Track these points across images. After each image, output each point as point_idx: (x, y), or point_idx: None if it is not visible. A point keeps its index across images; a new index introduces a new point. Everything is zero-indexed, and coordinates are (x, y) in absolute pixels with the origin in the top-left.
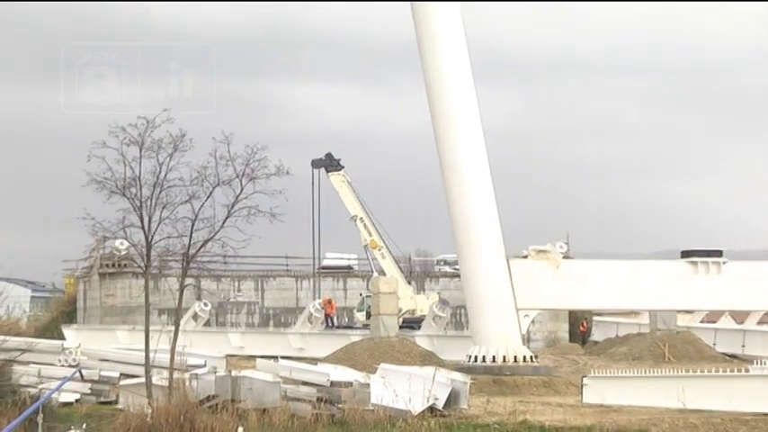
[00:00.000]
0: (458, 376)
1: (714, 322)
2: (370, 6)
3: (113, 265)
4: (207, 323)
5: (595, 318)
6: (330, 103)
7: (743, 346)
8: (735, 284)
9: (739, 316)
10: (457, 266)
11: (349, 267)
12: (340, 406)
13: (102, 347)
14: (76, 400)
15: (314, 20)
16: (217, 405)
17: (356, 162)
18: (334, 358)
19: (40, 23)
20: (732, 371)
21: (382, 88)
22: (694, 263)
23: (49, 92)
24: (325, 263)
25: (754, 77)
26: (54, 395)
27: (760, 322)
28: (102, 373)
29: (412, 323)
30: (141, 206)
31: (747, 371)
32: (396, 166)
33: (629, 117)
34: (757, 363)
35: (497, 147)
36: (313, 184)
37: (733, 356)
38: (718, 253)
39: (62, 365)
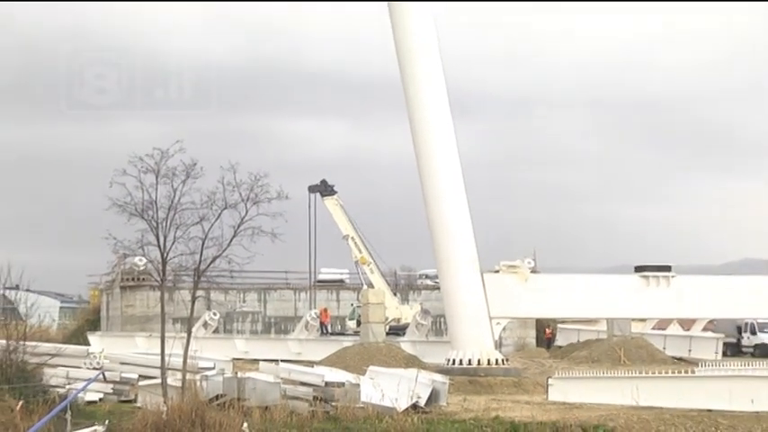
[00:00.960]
0: (438, 377)
1: (664, 329)
2: (357, 47)
3: (133, 279)
4: (216, 330)
5: (559, 325)
6: (322, 135)
7: (689, 350)
8: (682, 296)
9: (686, 323)
10: (437, 280)
11: (341, 281)
12: (333, 404)
13: (122, 352)
14: (100, 399)
15: (305, 60)
16: (224, 403)
17: (347, 187)
18: (329, 361)
19: (65, 65)
20: (680, 372)
21: (369, 122)
22: (646, 277)
23: (74, 127)
24: (321, 277)
25: (699, 113)
26: (80, 395)
27: (704, 329)
28: (123, 375)
29: (397, 330)
30: (157, 227)
31: (693, 372)
32: (382, 191)
33: (589, 147)
34: (702, 365)
35: (473, 173)
36: (309, 207)
37: (680, 359)
38: (668, 268)
39: (87, 368)
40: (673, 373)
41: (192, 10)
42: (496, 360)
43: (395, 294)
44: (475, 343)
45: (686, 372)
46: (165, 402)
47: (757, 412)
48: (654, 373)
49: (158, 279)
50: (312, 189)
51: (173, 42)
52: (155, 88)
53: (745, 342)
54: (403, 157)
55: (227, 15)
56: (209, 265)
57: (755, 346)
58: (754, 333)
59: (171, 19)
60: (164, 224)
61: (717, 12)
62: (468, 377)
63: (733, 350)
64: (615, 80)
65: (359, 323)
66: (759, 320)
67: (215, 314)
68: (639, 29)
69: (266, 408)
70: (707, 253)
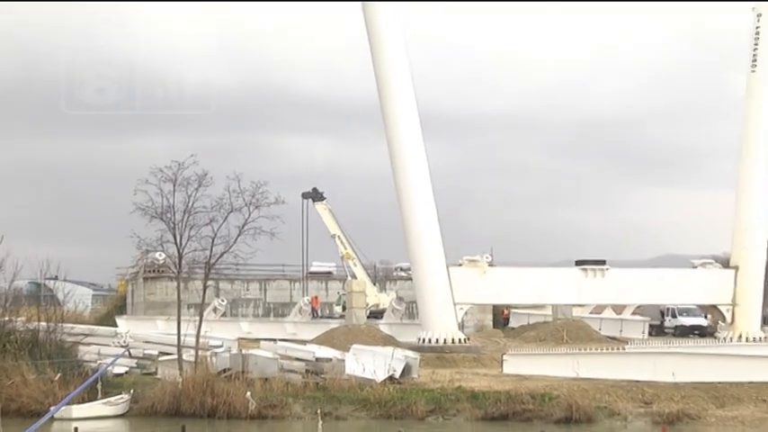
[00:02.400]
0: (410, 354)
1: (599, 313)
2: (340, 77)
3: (154, 271)
4: (223, 314)
5: (512, 310)
6: (311, 150)
7: (621, 330)
8: (614, 285)
9: (617, 308)
10: (410, 272)
11: (330, 273)
12: (323, 376)
13: (145, 332)
14: (126, 372)
15: (295, 88)
16: (231, 375)
17: (334, 193)
18: (318, 340)
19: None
20: (613, 349)
21: (350, 139)
22: (585, 269)
23: (104, 143)
24: (312, 269)
25: (630, 131)
26: (109, 368)
27: (633, 313)
28: (146, 352)
29: (376, 314)
30: (174, 227)
31: (624, 349)
32: (363, 196)
33: (535, 161)
34: (631, 343)
35: (440, 181)
36: (303, 210)
37: (613, 338)
38: (603, 262)
39: (115, 346)
40: (607, 350)
41: (199, 44)
42: (459, 339)
43: (374, 284)
44: (441, 325)
45: (618, 349)
46: (180, 375)
47: (677, 383)
48: (591, 350)
49: (175, 271)
50: (305, 195)
51: (185, 72)
52: (172, 110)
53: (667, 324)
54: (380, 168)
55: (229, 49)
56: (217, 260)
57: (675, 327)
58: (674, 317)
59: (183, 51)
60: (180, 225)
61: (636, 42)
62: (435, 354)
63: (657, 331)
64: (554, 101)
65: (344, 308)
66: (679, 306)
67: (223, 301)
68: (574, 57)
69: (266, 379)
70: (636, 249)
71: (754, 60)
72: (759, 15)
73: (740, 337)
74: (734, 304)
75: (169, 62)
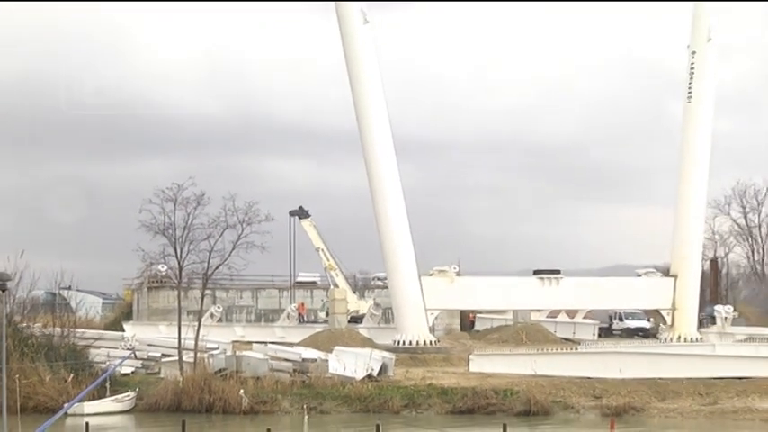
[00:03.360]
0: (387, 354)
1: (555, 317)
2: (320, 104)
3: (157, 282)
4: (219, 320)
5: (477, 315)
6: (296, 172)
7: (573, 332)
8: (568, 292)
9: (571, 313)
10: (386, 281)
11: (314, 282)
12: (308, 374)
13: (149, 336)
14: (132, 372)
15: (278, 116)
16: (226, 374)
17: (318, 210)
18: (305, 343)
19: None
20: (567, 349)
21: (330, 161)
22: (542, 278)
23: (110, 166)
24: (299, 279)
25: (586, 154)
26: (117, 369)
27: (585, 317)
28: (150, 354)
29: (356, 319)
30: (175, 242)
31: (577, 349)
32: (344, 213)
33: (495, 181)
34: (583, 344)
35: (412, 199)
36: (290, 226)
37: (567, 339)
38: (557, 272)
39: (122, 349)
40: (561, 350)
41: (192, 76)
42: (430, 341)
43: (354, 292)
44: (414, 328)
45: (571, 349)
46: (181, 374)
47: (623, 379)
48: (548, 350)
49: (176, 281)
50: (292, 213)
51: (180, 101)
52: (173, 137)
53: (614, 327)
54: (358, 187)
55: (219, 81)
56: (214, 271)
57: (622, 329)
58: (621, 320)
59: (177, 82)
60: (180, 240)
61: (587, 73)
62: (409, 354)
63: (606, 333)
64: (513, 127)
65: (327, 314)
66: (625, 310)
67: (219, 307)
68: (529, 86)
69: (258, 378)
70: (587, 260)
71: (690, 93)
72: (693, 53)
73: (679, 337)
74: (673, 309)
75: (165, 92)
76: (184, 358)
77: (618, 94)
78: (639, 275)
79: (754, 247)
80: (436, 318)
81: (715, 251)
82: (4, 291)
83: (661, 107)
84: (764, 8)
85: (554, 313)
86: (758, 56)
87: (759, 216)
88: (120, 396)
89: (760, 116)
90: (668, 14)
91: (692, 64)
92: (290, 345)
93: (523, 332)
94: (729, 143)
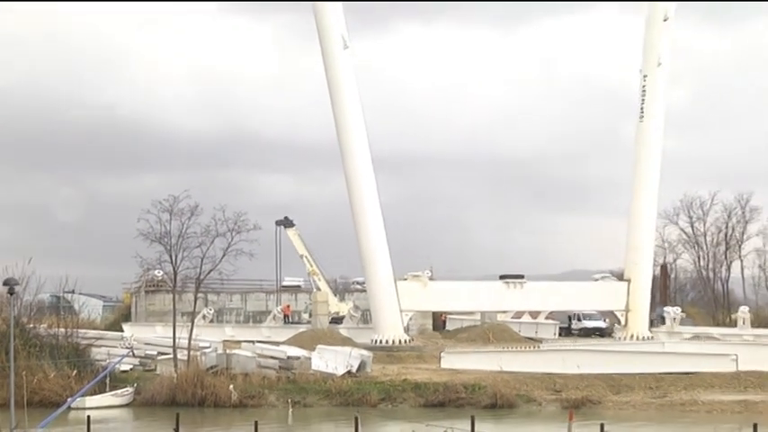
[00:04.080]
0: (365, 352)
1: (519, 318)
2: (301, 122)
3: (153, 286)
4: (211, 321)
5: (448, 316)
6: (281, 184)
7: (536, 332)
8: (531, 295)
9: (533, 314)
10: (364, 285)
11: (299, 286)
12: (293, 371)
13: (146, 336)
14: (130, 369)
15: (263, 133)
16: (217, 371)
17: (301, 220)
18: (289, 342)
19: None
20: (530, 347)
21: (313, 175)
22: (507, 282)
23: (112, 181)
24: (284, 283)
25: (548, 168)
26: (116, 366)
27: (546, 318)
28: (147, 352)
29: (337, 320)
30: (171, 250)
31: (539, 347)
32: (325, 222)
33: (467, 192)
34: (544, 342)
35: (389, 209)
36: (276, 235)
37: (530, 338)
38: (521, 276)
39: (121, 347)
40: (525, 348)
41: (186, 97)
42: (405, 340)
43: (335, 295)
44: (390, 328)
45: (534, 347)
46: (175, 371)
47: (581, 374)
48: (512, 348)
49: (171, 285)
50: (278, 222)
51: (175, 120)
52: (168, 152)
53: (573, 326)
54: (338, 199)
55: (210, 101)
56: (206, 276)
57: (580, 329)
58: (579, 320)
59: (173, 103)
60: (175, 248)
61: (547, 94)
62: (385, 352)
63: (565, 332)
64: (482, 144)
65: (310, 315)
66: (583, 312)
67: (210, 309)
68: (498, 104)
69: (246, 374)
70: (549, 265)
71: (642, 113)
72: (645, 76)
73: (632, 336)
74: (627, 310)
75: (161, 111)
76: (179, 356)
77: (575, 113)
78: (596, 280)
79: (700, 253)
80: (410, 319)
81: (665, 257)
82: (12, 294)
83: (615, 126)
84: (708, 37)
85: (518, 314)
86: (702, 79)
87: (704, 225)
88: (119, 391)
89: (705, 134)
90: (622, 41)
91: (644, 86)
92: (276, 344)
93: (490, 332)
94: (678, 158)
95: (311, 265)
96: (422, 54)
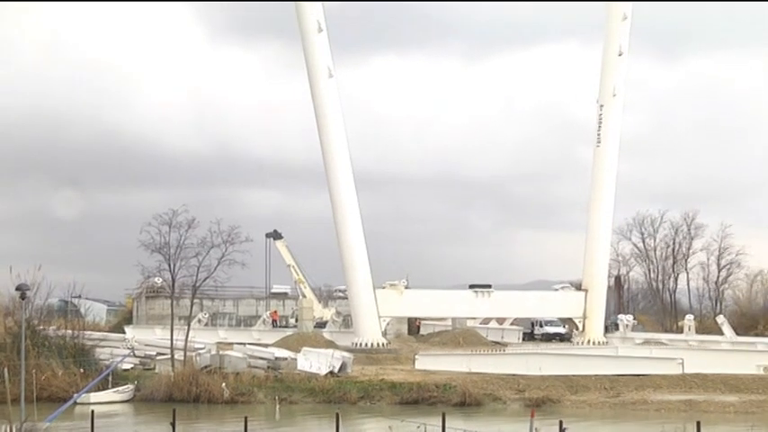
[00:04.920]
0: (346, 354)
1: (486, 324)
2: (287, 143)
3: (153, 292)
4: (206, 324)
5: (422, 321)
6: (271, 200)
7: (502, 337)
8: (497, 303)
9: (500, 320)
10: (346, 292)
11: (286, 293)
12: (280, 371)
13: (146, 338)
14: (131, 368)
15: (253, 154)
16: (211, 370)
17: (289, 233)
18: (277, 344)
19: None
20: (496, 351)
21: (301, 192)
22: (476, 291)
23: (116, 196)
24: (273, 290)
25: (513, 187)
26: (119, 365)
27: (511, 324)
28: (146, 353)
29: (321, 324)
30: (169, 259)
31: (504, 350)
32: (311, 235)
33: (437, 209)
34: (509, 346)
35: (368, 223)
36: (266, 246)
37: (497, 343)
38: (489, 286)
39: (123, 348)
40: (492, 351)
41: (181, 120)
42: (382, 343)
43: (319, 302)
44: (369, 332)
45: (500, 350)
46: (173, 370)
47: (543, 375)
48: (480, 351)
49: (169, 292)
50: (268, 235)
51: (172, 141)
52: (166, 171)
53: (536, 332)
54: (323, 213)
55: (203, 124)
56: (202, 283)
57: (542, 334)
58: (541, 326)
59: (170, 125)
60: (173, 257)
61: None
62: (365, 354)
63: (528, 337)
64: (452, 165)
65: (297, 320)
66: (544, 319)
67: (205, 314)
68: (467, 128)
69: (237, 373)
70: (514, 276)
71: (599, 139)
72: (601, 106)
73: (589, 341)
74: (584, 317)
75: (160, 133)
76: (176, 356)
77: (536, 138)
78: (557, 290)
79: (651, 266)
80: (388, 324)
81: (619, 270)
82: (24, 299)
83: (572, 151)
84: (658, 71)
85: (486, 321)
86: (653, 109)
87: (654, 241)
88: (121, 388)
89: (655, 158)
90: (578, 74)
91: (600, 115)
92: (265, 346)
93: (460, 336)
94: (630, 180)
95: (298, 274)
96: (397, 85)
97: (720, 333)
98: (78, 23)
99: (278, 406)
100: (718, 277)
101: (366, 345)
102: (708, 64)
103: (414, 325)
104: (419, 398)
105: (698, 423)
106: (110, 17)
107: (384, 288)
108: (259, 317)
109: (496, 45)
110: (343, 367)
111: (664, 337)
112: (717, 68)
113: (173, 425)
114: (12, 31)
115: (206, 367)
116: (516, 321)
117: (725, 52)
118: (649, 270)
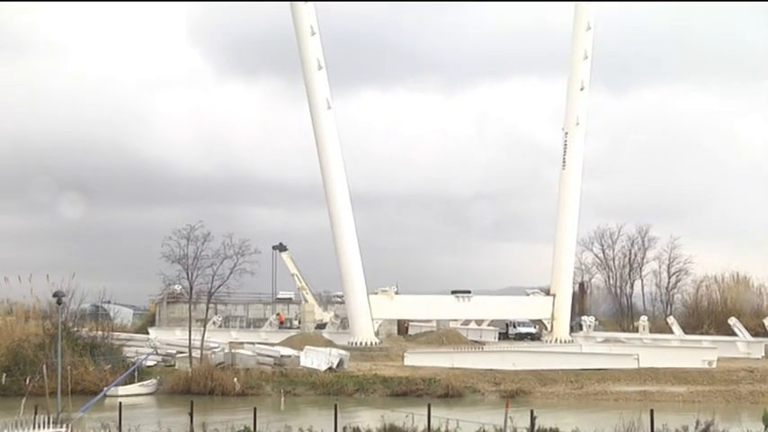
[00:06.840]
0: (343, 352)
1: (467, 325)
2: (288, 164)
3: (174, 297)
4: (219, 326)
5: (410, 323)
6: (276, 216)
7: (480, 336)
8: (477, 307)
9: (478, 322)
10: (343, 297)
11: (290, 298)
12: (285, 367)
13: (167, 338)
14: (154, 365)
15: (258, 175)
16: (224, 367)
17: (293, 245)
18: (283, 343)
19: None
20: (475, 348)
21: (299, 210)
22: (457, 297)
23: (140, 212)
24: (279, 296)
25: (489, 204)
26: (143, 362)
27: (489, 325)
28: (168, 351)
29: (321, 326)
30: (188, 269)
31: (483, 348)
32: (312, 247)
33: (423, 224)
34: (487, 344)
35: (362, 236)
36: (273, 257)
37: (476, 342)
38: (468, 291)
39: (147, 347)
40: (471, 349)
41: (190, 143)
42: (375, 342)
43: (320, 306)
44: (364, 333)
45: (479, 348)
46: (191, 366)
47: (516, 370)
48: (462, 349)
49: (188, 298)
50: (274, 247)
51: (182, 162)
52: (181, 190)
53: (510, 332)
54: (322, 227)
55: (211, 147)
56: (216, 290)
57: (515, 334)
58: (514, 327)
59: (178, 148)
60: (191, 267)
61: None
62: (360, 352)
63: (503, 337)
64: (432, 183)
65: (300, 322)
66: (517, 320)
67: (219, 317)
68: (443, 150)
69: (247, 369)
70: (490, 282)
71: (564, 162)
72: (566, 133)
73: (556, 340)
74: (552, 319)
75: (177, 158)
76: (193, 355)
77: (510, 162)
78: (528, 294)
79: (610, 274)
80: (380, 325)
81: (582, 277)
82: (60, 304)
83: (539, 172)
84: (613, 102)
85: (466, 322)
86: (610, 134)
87: (613, 251)
88: (145, 382)
89: (613, 178)
90: (547, 105)
91: (566, 141)
92: (272, 345)
93: (444, 336)
94: (592, 197)
95: (300, 282)
96: (384, 114)
97: (671, 332)
98: (102, 67)
99: (283, 398)
100: (668, 283)
101: (361, 344)
102: (653, 95)
103: (403, 326)
104: (408, 390)
105: (651, 411)
106: (131, 62)
107: (377, 294)
108: (266, 319)
109: (469, 79)
110: (340, 363)
111: (621, 335)
112: (661, 99)
113: (191, 415)
114: (46, 64)
115: (220, 364)
116: (493, 323)
117: (668, 86)
118: (609, 277)
